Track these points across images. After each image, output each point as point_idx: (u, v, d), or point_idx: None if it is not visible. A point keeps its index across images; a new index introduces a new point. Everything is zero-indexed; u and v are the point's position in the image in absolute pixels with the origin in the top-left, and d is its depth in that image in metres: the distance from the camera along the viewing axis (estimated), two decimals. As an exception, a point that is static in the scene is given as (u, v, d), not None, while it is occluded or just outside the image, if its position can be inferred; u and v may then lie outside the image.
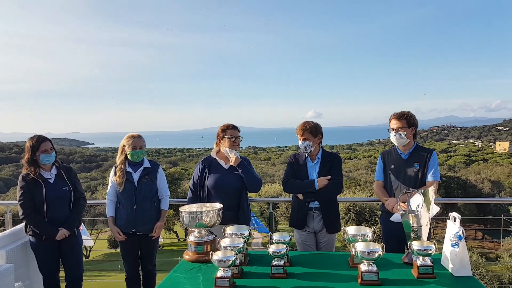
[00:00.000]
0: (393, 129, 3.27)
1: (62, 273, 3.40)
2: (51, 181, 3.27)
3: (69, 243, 3.30)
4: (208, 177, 3.35)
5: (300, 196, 3.35)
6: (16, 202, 3.27)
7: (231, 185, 3.32)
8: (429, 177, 3.17)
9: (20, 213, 3.20)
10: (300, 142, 3.37)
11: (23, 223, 3.30)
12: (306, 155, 3.40)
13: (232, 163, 3.35)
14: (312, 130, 3.33)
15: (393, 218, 3.03)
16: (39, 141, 3.23)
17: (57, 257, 3.31)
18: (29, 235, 3.25)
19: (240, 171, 3.34)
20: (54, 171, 3.33)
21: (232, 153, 3.36)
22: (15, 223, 4.04)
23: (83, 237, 4.18)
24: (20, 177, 3.24)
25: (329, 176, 3.28)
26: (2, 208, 16.70)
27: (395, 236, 3.04)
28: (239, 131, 3.43)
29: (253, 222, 4.47)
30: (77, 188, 3.40)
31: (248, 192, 3.45)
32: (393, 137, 3.27)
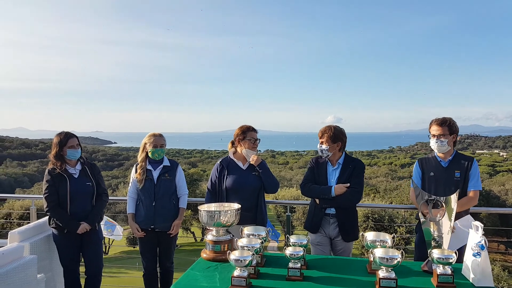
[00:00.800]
0: (433, 135, 3.18)
1: (82, 268, 3.49)
2: (76, 176, 3.37)
3: (90, 237, 3.39)
4: (227, 177, 3.38)
5: (317, 200, 3.33)
6: (41, 195, 3.39)
7: (249, 185, 3.34)
8: (472, 186, 3.10)
9: (45, 205, 3.31)
10: (318, 145, 3.36)
11: (47, 217, 3.42)
12: (327, 159, 3.38)
13: (253, 163, 3.37)
14: (331, 135, 3.27)
15: None
16: (66, 137, 3.35)
17: (77, 250, 3.41)
18: (52, 227, 3.36)
19: (260, 171, 3.37)
20: (79, 166, 3.43)
21: (252, 154, 3.40)
22: (39, 216, 4.18)
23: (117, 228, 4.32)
24: (46, 171, 3.35)
25: (348, 184, 3.21)
26: (27, 202, 17.29)
27: None
28: (256, 133, 3.47)
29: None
30: (100, 184, 3.50)
31: (264, 194, 3.46)
32: (433, 144, 3.18)
